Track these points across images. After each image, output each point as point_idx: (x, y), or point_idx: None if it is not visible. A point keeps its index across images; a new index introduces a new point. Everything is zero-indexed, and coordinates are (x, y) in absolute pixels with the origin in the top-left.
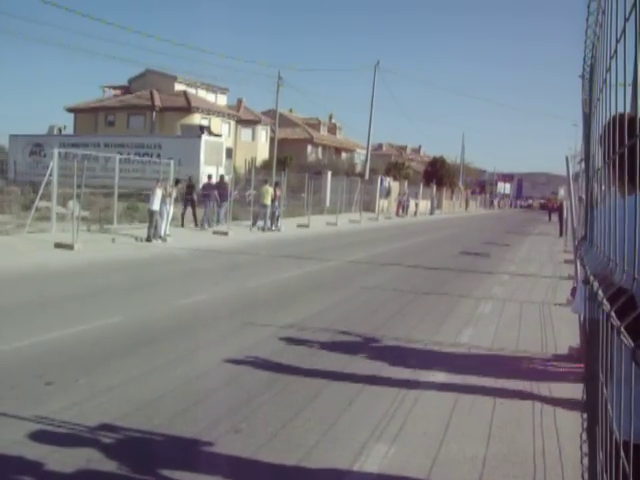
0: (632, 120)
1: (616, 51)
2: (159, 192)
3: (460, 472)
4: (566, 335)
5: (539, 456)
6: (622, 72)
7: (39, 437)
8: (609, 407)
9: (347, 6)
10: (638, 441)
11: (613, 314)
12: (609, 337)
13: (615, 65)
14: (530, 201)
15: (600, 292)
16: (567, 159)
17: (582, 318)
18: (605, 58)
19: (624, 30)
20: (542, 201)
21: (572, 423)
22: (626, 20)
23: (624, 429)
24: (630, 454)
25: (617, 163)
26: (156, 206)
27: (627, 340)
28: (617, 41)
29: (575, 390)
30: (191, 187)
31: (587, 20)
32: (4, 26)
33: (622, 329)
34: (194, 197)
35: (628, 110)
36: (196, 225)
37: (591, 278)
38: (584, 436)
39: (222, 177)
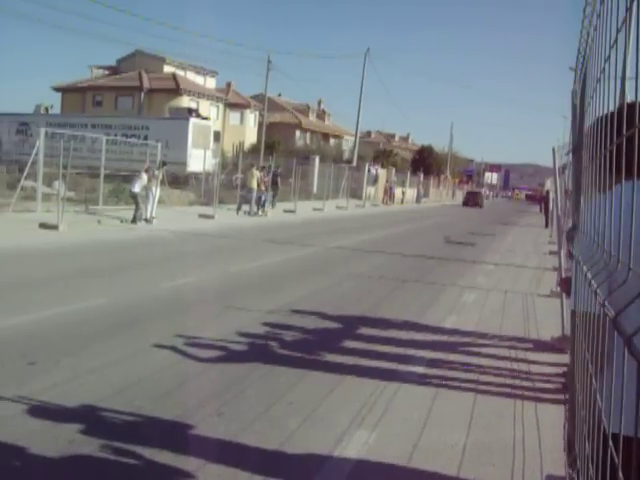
0: (631, 109)
1: (616, 41)
2: (144, 176)
3: (440, 459)
4: (548, 326)
5: (519, 445)
6: (622, 62)
7: (20, 417)
8: (598, 399)
9: None
10: (628, 433)
11: (607, 304)
12: (601, 328)
13: (615, 55)
14: (515, 191)
15: (594, 282)
16: (554, 150)
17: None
18: (604, 48)
19: (625, 20)
20: (529, 192)
21: (552, 413)
22: (627, 9)
23: (614, 421)
24: (619, 446)
25: (614, 153)
26: (137, 188)
27: (621, 330)
28: (617, 30)
29: (557, 381)
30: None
31: (584, 10)
32: None
33: (617, 319)
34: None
35: (628, 99)
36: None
37: (584, 268)
38: (567, 426)
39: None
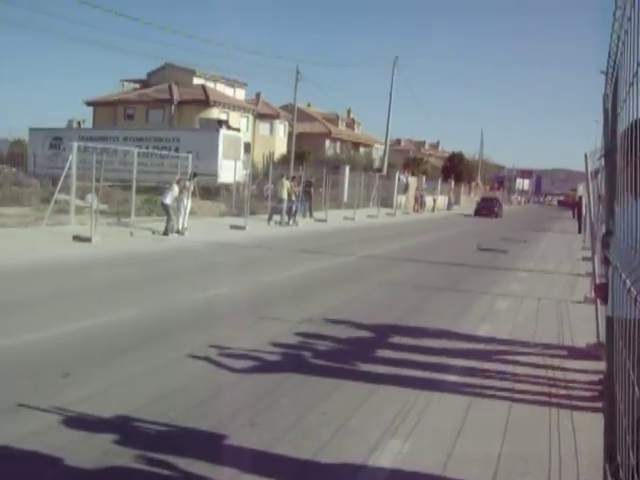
0: None
1: None
2: (176, 188)
3: (475, 468)
4: (583, 332)
5: (555, 453)
6: None
7: (57, 428)
8: None
9: (366, 5)
10: None
11: None
12: None
13: None
14: (547, 197)
15: (633, 289)
16: (586, 156)
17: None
18: (636, 51)
19: None
20: (562, 198)
21: (589, 421)
22: None
23: None
24: None
25: None
26: (168, 200)
27: None
28: None
29: (594, 389)
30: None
31: (614, 14)
32: (28, 21)
33: None
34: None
35: None
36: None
37: (623, 275)
38: (606, 435)
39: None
